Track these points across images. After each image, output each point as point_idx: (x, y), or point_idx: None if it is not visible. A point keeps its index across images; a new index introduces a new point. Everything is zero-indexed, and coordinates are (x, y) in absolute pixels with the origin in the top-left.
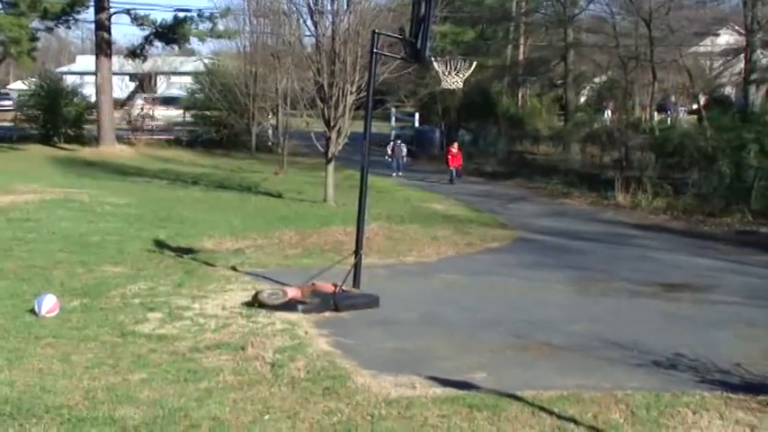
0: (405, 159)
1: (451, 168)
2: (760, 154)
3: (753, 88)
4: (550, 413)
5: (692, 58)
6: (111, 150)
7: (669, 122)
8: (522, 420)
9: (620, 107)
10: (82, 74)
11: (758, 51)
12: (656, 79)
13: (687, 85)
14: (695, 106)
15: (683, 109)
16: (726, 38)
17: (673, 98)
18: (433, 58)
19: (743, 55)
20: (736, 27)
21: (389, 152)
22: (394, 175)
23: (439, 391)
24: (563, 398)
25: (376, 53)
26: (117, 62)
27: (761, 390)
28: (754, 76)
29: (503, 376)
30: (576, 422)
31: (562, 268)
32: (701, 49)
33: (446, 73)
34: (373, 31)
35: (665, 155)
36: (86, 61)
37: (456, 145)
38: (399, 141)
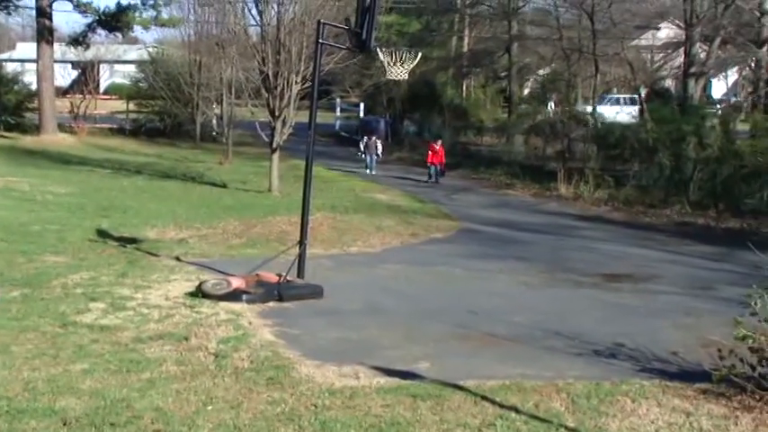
0: (380, 156)
1: (430, 165)
2: (698, 146)
3: (692, 81)
4: (493, 402)
5: (633, 51)
6: (53, 139)
7: None
8: (465, 410)
9: (563, 99)
10: (22, 61)
11: (697, 45)
12: (598, 72)
13: (629, 78)
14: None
15: None
16: (666, 31)
17: (615, 90)
18: (378, 49)
19: (683, 48)
20: (677, 21)
21: (362, 148)
22: (368, 172)
23: (383, 380)
24: (505, 387)
25: (321, 43)
26: (59, 50)
27: (696, 378)
28: (693, 70)
29: (446, 366)
30: (517, 411)
31: (506, 259)
32: (643, 42)
33: (391, 63)
34: (319, 21)
35: (606, 146)
36: (27, 48)
37: (439, 141)
38: (375, 138)
